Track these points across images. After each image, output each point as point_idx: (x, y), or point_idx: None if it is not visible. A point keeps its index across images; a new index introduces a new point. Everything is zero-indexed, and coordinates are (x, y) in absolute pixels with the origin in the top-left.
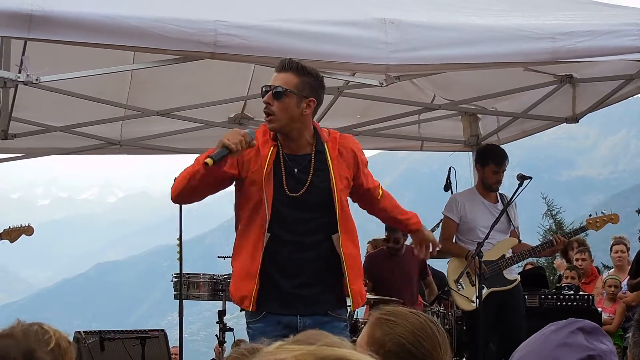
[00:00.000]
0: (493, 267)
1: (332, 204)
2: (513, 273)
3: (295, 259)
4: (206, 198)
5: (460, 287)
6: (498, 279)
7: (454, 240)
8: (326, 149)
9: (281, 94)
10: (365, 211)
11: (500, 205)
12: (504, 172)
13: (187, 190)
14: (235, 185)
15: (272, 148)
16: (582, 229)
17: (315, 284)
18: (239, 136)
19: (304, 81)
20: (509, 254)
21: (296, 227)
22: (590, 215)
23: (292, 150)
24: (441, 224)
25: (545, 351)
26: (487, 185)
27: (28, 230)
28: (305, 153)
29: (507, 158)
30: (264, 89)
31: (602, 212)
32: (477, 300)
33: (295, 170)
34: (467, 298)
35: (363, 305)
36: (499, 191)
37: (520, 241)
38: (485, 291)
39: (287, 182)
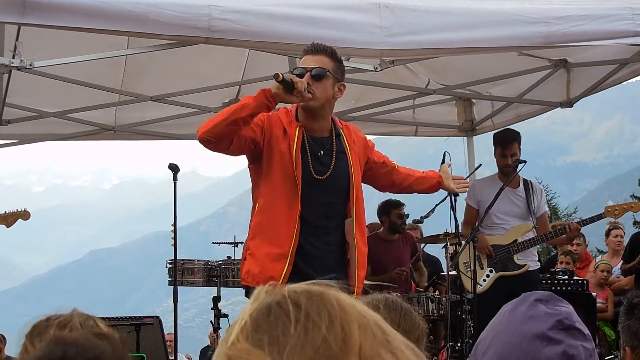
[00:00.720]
0: (503, 252)
1: (349, 188)
2: (527, 259)
3: (317, 242)
4: (200, 185)
5: (468, 268)
6: (508, 264)
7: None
8: (343, 134)
9: (322, 76)
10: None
11: (521, 191)
12: (514, 156)
13: (223, 126)
14: (254, 161)
15: (297, 129)
16: (599, 217)
17: (333, 269)
18: (303, 80)
19: (338, 65)
20: (522, 239)
21: (320, 210)
22: (609, 203)
23: (315, 132)
24: (464, 210)
25: (512, 330)
26: (500, 168)
27: (24, 215)
28: (325, 136)
29: (514, 140)
30: (296, 72)
31: (610, 202)
32: (473, 286)
33: (321, 152)
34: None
35: None
36: (525, 177)
37: (535, 227)
38: (493, 275)
39: (312, 165)
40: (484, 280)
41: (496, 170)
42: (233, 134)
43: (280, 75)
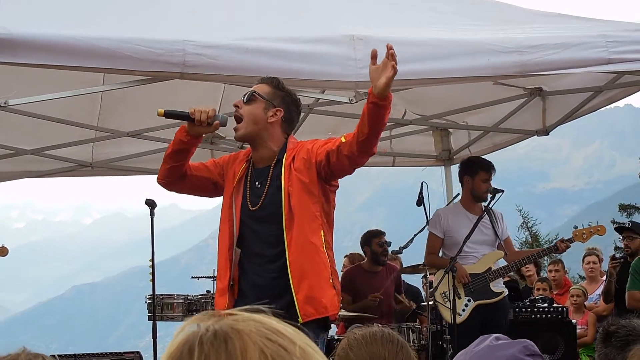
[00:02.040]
0: (479, 280)
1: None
2: (500, 286)
3: (262, 272)
4: (180, 219)
5: (446, 299)
6: (485, 292)
7: (440, 255)
8: (284, 158)
9: (251, 98)
10: (340, 229)
11: (486, 219)
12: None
13: (162, 164)
14: None
15: (244, 164)
16: (569, 241)
17: (278, 297)
18: (204, 108)
19: (276, 93)
20: (496, 267)
21: (261, 239)
22: (575, 227)
23: (258, 162)
24: (427, 238)
25: (486, 357)
26: (478, 195)
27: (2, 252)
28: (267, 165)
29: (494, 168)
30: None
31: (589, 224)
32: (452, 315)
33: (257, 183)
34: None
35: (337, 323)
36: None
37: (506, 253)
38: (472, 304)
39: (250, 197)
40: (463, 310)
41: None
42: (173, 172)
43: (161, 110)
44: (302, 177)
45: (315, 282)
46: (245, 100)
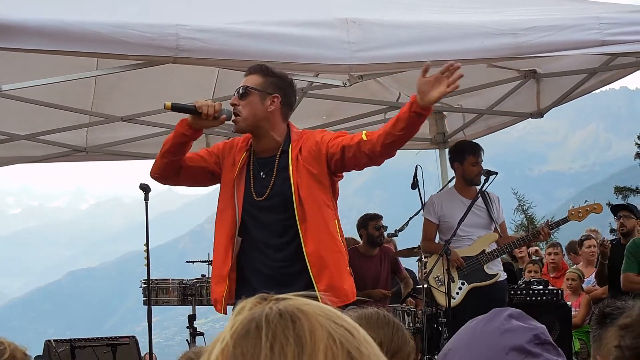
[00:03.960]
0: (473, 263)
1: (293, 204)
2: (495, 268)
3: (269, 261)
4: (176, 203)
5: (439, 283)
6: (478, 275)
7: (437, 241)
8: (290, 148)
9: (245, 93)
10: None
11: (480, 202)
12: (482, 163)
13: (159, 159)
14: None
15: (244, 153)
16: (564, 220)
17: (286, 285)
18: (210, 102)
19: (268, 80)
20: (490, 249)
21: (268, 229)
22: (572, 206)
23: (261, 152)
24: (422, 226)
25: (486, 343)
26: (469, 179)
27: None
28: (272, 155)
29: (482, 149)
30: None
31: (585, 202)
32: (447, 299)
33: (261, 173)
34: (446, 294)
35: None
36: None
37: (501, 235)
38: (465, 287)
39: (254, 187)
40: (457, 293)
41: None
42: (171, 166)
43: (168, 103)
44: (311, 168)
45: (335, 271)
46: (239, 97)
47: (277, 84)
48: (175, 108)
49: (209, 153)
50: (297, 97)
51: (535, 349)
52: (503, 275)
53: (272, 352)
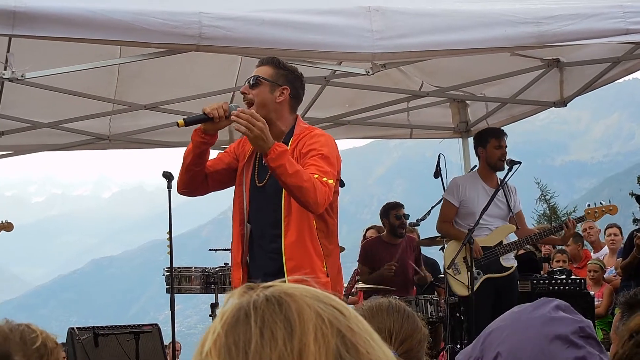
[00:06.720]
0: (490, 254)
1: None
2: (510, 260)
3: (261, 252)
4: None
5: (456, 271)
6: (494, 266)
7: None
8: (290, 141)
9: (256, 83)
10: (358, 202)
11: (500, 192)
12: (506, 148)
13: (183, 174)
14: None
15: None
16: (581, 219)
17: (274, 276)
18: (217, 105)
19: (279, 72)
20: (507, 240)
21: (264, 218)
22: (588, 205)
23: None
24: (441, 205)
25: (530, 329)
26: (493, 163)
27: (8, 227)
28: None
29: (505, 134)
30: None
31: (600, 203)
32: (470, 288)
33: (264, 161)
34: (463, 283)
35: (355, 293)
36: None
37: (518, 227)
38: (481, 277)
39: (258, 172)
40: (469, 285)
41: None
42: (196, 178)
43: (181, 121)
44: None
45: (309, 269)
46: (250, 86)
47: (287, 77)
48: (188, 122)
49: (226, 154)
50: (320, 86)
51: (579, 340)
52: (516, 266)
53: (263, 338)
